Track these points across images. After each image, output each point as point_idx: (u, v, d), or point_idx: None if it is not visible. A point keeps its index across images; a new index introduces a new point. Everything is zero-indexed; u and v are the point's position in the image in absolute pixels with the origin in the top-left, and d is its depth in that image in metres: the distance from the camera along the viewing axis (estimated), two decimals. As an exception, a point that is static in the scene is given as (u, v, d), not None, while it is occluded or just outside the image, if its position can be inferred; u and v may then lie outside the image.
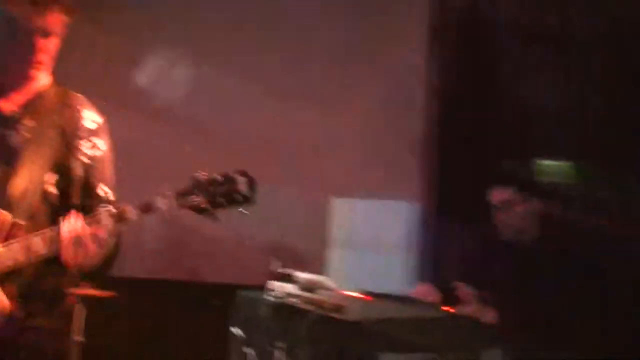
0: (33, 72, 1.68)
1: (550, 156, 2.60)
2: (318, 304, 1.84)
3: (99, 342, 3.10)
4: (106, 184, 1.78)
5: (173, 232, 3.52)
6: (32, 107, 1.71)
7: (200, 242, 3.38)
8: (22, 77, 1.69)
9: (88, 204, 1.67)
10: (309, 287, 2.00)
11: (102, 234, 1.56)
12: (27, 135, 1.67)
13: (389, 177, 3.67)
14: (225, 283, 3.20)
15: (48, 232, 1.56)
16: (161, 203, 1.52)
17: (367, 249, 3.66)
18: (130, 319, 3.38)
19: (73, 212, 1.59)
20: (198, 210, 1.49)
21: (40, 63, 1.67)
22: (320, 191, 3.70)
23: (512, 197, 2.26)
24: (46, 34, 1.65)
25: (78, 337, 2.94)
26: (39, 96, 1.73)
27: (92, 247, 1.54)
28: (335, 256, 3.64)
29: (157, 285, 3.49)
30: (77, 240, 1.53)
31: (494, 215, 2.29)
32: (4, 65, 1.70)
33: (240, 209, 1.52)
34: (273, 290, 2.22)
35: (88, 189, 1.74)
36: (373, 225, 3.69)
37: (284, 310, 2.05)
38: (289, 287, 2.12)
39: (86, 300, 2.88)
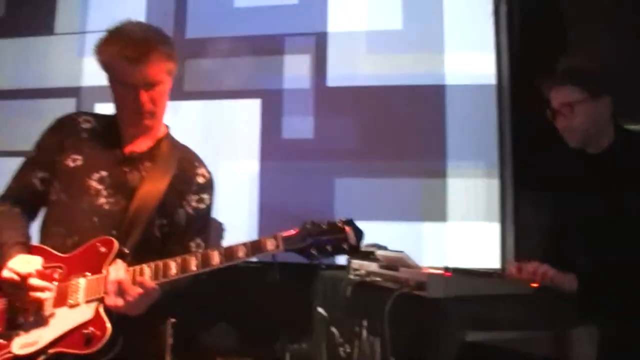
0: (145, 122, 1.79)
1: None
2: (400, 282, 1.84)
3: (189, 322, 3.24)
4: (201, 238, 1.84)
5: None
6: (151, 152, 1.82)
7: (280, 221, 3.44)
8: (139, 127, 1.80)
9: (177, 253, 1.69)
10: (390, 264, 2.00)
11: (148, 284, 1.58)
12: (144, 174, 1.78)
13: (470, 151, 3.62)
14: (305, 263, 3.24)
15: (162, 263, 1.61)
16: (270, 245, 1.57)
17: (448, 224, 3.61)
18: (217, 299, 3.50)
19: (118, 260, 1.63)
20: (305, 255, 1.56)
21: (148, 113, 1.76)
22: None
23: (575, 97, 2.03)
24: (148, 85, 1.73)
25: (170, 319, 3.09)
26: (158, 145, 1.85)
27: (133, 298, 1.56)
28: (415, 232, 3.62)
29: (241, 267, 3.59)
30: (120, 289, 1.56)
31: (556, 121, 2.09)
32: (123, 117, 1.81)
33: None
34: (355, 269, 2.23)
35: (183, 239, 1.81)
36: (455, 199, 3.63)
37: (366, 288, 2.06)
38: (371, 265, 2.13)
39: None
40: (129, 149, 1.82)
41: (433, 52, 3.78)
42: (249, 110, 3.97)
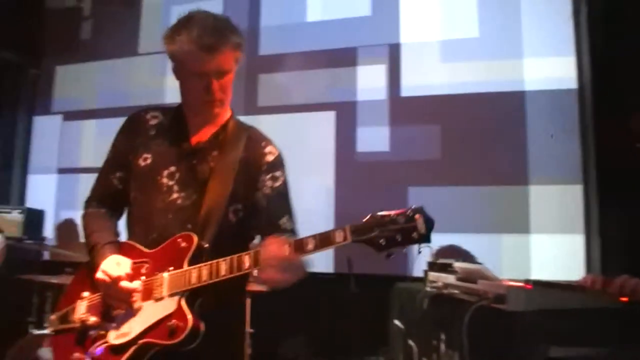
0: (215, 110, 1.81)
1: None
2: (478, 294, 1.80)
3: (266, 333, 3.30)
4: (288, 215, 1.85)
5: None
6: (217, 139, 1.84)
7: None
8: (207, 115, 1.83)
9: (269, 234, 1.69)
10: (468, 277, 1.96)
11: (296, 259, 1.58)
12: (213, 164, 1.80)
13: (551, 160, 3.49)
14: (381, 274, 3.24)
15: (235, 257, 1.62)
16: (339, 237, 1.53)
17: (529, 235, 3.50)
18: (292, 310, 3.54)
19: (273, 236, 1.62)
20: (374, 245, 1.50)
21: (219, 101, 1.79)
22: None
23: None
24: (220, 74, 1.75)
25: (248, 328, 3.16)
26: (223, 129, 1.86)
27: (290, 271, 1.59)
28: (497, 243, 3.53)
29: (318, 278, 3.63)
30: (280, 263, 1.57)
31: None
32: (191, 106, 1.84)
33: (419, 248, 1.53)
34: (432, 281, 2.20)
35: (271, 219, 1.81)
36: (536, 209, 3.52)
37: (444, 301, 2.03)
38: (448, 278, 2.09)
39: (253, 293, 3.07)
40: (195, 139, 1.84)
41: (511, 58, 3.71)
42: (324, 123, 4.02)
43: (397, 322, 2.49)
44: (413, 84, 3.90)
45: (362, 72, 4.02)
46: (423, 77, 3.88)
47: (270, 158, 1.85)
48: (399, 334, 2.42)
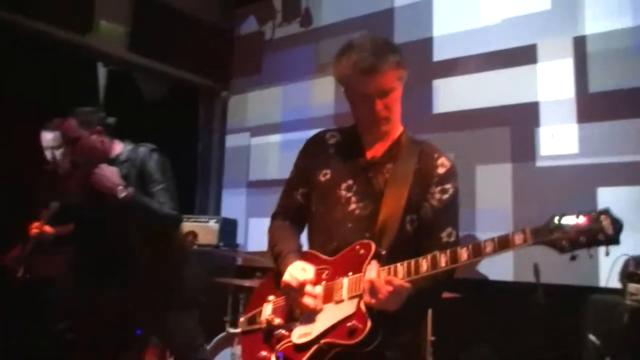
0: (382, 128, 1.90)
1: None
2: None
3: (448, 340, 3.24)
4: (451, 227, 1.86)
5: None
6: (391, 153, 1.93)
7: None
8: (376, 133, 1.92)
9: (428, 246, 1.76)
10: (676, 290, 1.74)
11: (397, 283, 1.64)
12: (388, 176, 1.88)
13: None
14: (570, 284, 3.02)
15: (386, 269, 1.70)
16: (518, 239, 1.51)
17: None
18: (477, 321, 3.44)
19: (374, 261, 1.72)
20: (556, 247, 1.46)
21: (384, 119, 1.87)
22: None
23: None
24: (383, 93, 1.83)
25: (430, 336, 3.13)
26: (396, 143, 1.94)
27: (384, 296, 1.64)
28: None
29: (503, 288, 3.49)
30: (372, 289, 1.66)
31: None
32: (361, 125, 1.96)
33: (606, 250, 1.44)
34: (633, 294, 2.00)
35: (432, 231, 1.85)
36: None
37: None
38: (651, 290, 1.89)
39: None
40: (370, 154, 1.94)
41: None
42: (501, 126, 3.87)
43: (592, 337, 2.30)
44: (601, 78, 3.58)
45: (544, 68, 3.79)
46: (613, 70, 3.54)
47: (441, 170, 1.88)
48: (595, 350, 2.23)
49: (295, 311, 1.84)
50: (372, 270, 1.69)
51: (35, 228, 3.02)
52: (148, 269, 2.84)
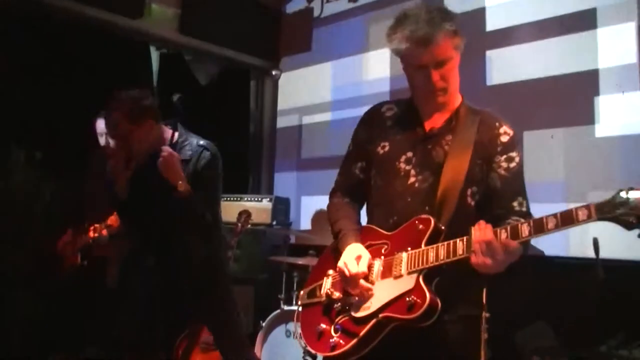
0: (439, 99, 1.87)
1: None
2: None
3: (503, 317, 3.18)
4: (521, 196, 1.84)
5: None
6: (449, 124, 1.89)
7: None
8: (434, 104, 1.89)
9: (501, 215, 1.77)
10: None
11: (512, 244, 1.59)
12: (447, 148, 1.86)
13: None
14: (631, 260, 2.89)
15: (466, 238, 1.67)
16: (582, 214, 1.46)
17: None
18: (534, 296, 3.36)
19: (482, 222, 1.66)
20: (623, 223, 1.41)
21: (441, 90, 1.84)
22: None
23: None
24: (438, 64, 1.80)
25: (485, 313, 3.08)
26: (455, 115, 1.91)
27: (500, 256, 1.60)
28: None
29: (561, 263, 3.40)
30: (488, 248, 1.60)
31: None
32: (419, 97, 1.92)
33: None
34: None
35: (503, 200, 1.83)
36: None
37: None
38: None
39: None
40: (428, 125, 1.91)
41: None
42: (560, 94, 3.72)
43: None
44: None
45: (605, 34, 3.60)
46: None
47: (505, 139, 1.85)
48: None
49: None
50: (488, 230, 1.63)
51: (94, 231, 3.16)
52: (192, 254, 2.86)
